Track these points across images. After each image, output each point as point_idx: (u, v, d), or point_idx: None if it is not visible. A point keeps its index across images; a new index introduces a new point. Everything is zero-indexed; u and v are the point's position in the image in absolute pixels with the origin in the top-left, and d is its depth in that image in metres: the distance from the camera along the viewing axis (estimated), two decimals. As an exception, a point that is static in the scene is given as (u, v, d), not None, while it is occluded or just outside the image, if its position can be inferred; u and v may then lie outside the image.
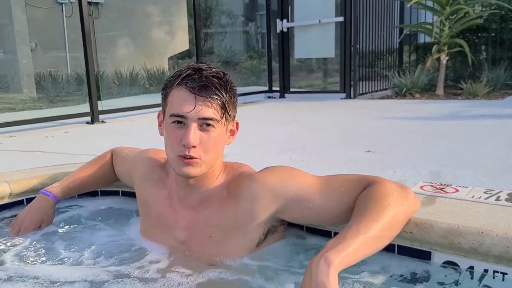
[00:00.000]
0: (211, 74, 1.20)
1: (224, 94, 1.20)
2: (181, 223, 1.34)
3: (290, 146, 2.69)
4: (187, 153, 1.18)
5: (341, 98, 5.97)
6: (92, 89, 4.37)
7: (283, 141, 2.97)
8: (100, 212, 1.80)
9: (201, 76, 1.19)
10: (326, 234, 1.36)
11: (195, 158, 1.19)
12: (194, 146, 1.18)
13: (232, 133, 1.31)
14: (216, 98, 1.19)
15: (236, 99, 1.27)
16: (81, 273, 1.27)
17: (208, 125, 1.19)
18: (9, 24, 8.31)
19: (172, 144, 1.22)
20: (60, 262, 1.37)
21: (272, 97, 6.71)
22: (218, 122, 1.20)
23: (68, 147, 2.98)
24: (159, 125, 1.31)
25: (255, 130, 3.53)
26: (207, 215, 1.30)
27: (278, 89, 6.73)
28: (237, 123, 1.32)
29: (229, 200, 1.28)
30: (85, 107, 4.53)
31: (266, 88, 6.93)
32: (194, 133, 1.17)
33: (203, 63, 1.26)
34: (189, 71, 1.21)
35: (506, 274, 1.10)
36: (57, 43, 9.17)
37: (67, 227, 1.66)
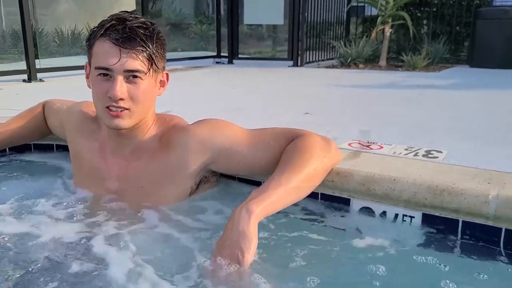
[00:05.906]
0: (135, 25, 1.17)
1: (150, 45, 1.18)
2: (113, 174, 1.35)
3: (232, 106, 2.73)
4: (114, 104, 1.18)
5: (289, 66, 6.04)
6: (29, 46, 4.15)
7: (226, 102, 2.99)
8: (33, 165, 1.76)
9: (125, 27, 1.15)
10: (257, 184, 1.42)
11: (125, 109, 1.19)
12: (121, 99, 1.17)
13: (163, 84, 1.31)
14: (142, 50, 1.16)
15: (165, 50, 1.26)
16: (15, 224, 1.26)
17: (135, 77, 1.17)
18: None
19: (99, 96, 1.20)
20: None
21: (220, 62, 6.67)
22: (146, 74, 1.18)
23: (0, 103, 2.84)
24: (87, 77, 1.28)
25: (200, 92, 3.53)
26: (138, 166, 1.31)
27: (226, 55, 6.69)
28: (167, 74, 1.31)
29: (160, 151, 1.30)
30: (22, 65, 4.30)
31: (214, 54, 6.87)
32: (120, 86, 1.16)
33: (128, 12, 1.23)
34: (113, 22, 1.17)
35: (414, 217, 1.21)
36: (-9, -3, 8.51)
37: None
